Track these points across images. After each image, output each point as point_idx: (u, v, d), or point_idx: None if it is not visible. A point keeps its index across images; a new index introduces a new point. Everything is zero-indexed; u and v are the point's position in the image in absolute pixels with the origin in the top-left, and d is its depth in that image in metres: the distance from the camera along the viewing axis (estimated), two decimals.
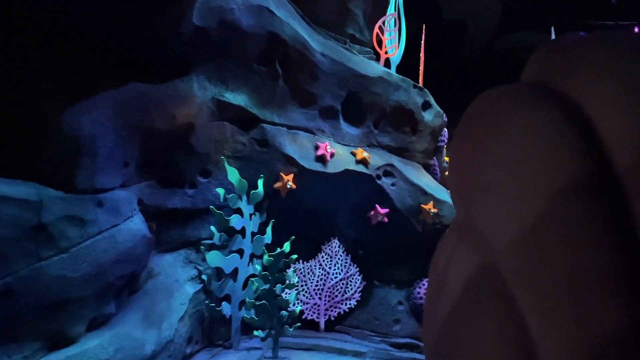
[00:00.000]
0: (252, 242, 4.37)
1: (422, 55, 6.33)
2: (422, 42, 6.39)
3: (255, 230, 4.42)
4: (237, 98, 4.28)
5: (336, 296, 4.87)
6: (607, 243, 0.33)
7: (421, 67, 6.25)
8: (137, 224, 3.42)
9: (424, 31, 6.41)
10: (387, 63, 5.80)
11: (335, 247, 4.93)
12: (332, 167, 4.68)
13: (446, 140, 5.89)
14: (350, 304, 4.91)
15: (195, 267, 4.17)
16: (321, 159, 4.60)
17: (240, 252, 4.31)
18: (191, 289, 4.03)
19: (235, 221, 4.23)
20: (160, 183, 3.98)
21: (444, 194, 5.33)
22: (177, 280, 3.95)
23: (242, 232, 4.32)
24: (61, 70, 2.99)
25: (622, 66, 0.36)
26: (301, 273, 4.81)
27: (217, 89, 4.13)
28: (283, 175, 4.40)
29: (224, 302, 4.22)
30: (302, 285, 4.80)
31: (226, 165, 4.15)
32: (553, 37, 12.57)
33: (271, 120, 4.53)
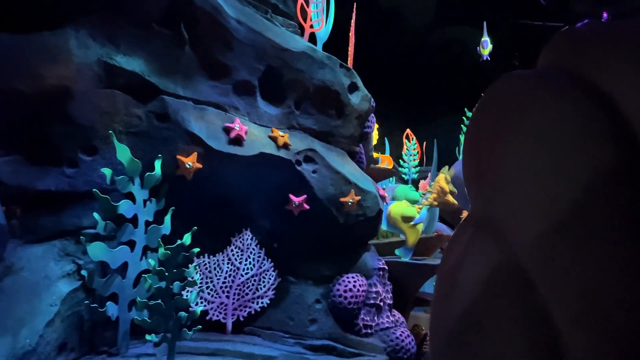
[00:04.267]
0: (145, 232, 3.75)
1: (352, 34, 5.90)
2: (353, 21, 5.96)
3: (151, 219, 3.81)
4: (131, 63, 3.64)
5: (247, 294, 4.35)
6: None
7: (350, 49, 5.82)
8: None
9: (354, 10, 5.98)
10: (313, 40, 5.32)
11: (247, 239, 4.40)
12: (246, 150, 4.15)
13: (373, 127, 5.51)
14: (262, 302, 4.41)
15: (74, 261, 3.50)
16: (233, 140, 4.04)
17: (131, 244, 3.69)
18: (66, 287, 3.37)
19: (125, 208, 3.60)
20: (29, 159, 3.29)
21: (369, 184, 4.95)
22: (46, 277, 3.27)
23: (134, 220, 3.70)
24: None
25: None
26: (206, 268, 4.25)
27: (105, 49, 3.47)
28: (182, 158, 3.81)
29: (109, 302, 3.59)
30: (206, 283, 4.24)
31: (115, 141, 3.51)
32: (485, 32, 12.70)
33: (174, 92, 3.92)
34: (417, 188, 10.33)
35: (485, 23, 11.92)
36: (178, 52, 3.93)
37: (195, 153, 3.89)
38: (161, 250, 3.60)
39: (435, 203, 5.96)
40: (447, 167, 6.27)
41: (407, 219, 5.97)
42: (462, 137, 16.47)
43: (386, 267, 5.24)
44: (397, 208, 6.04)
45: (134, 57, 3.66)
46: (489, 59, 11.92)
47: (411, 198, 6.25)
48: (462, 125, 16.58)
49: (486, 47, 11.90)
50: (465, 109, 16.53)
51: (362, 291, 4.67)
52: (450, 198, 5.73)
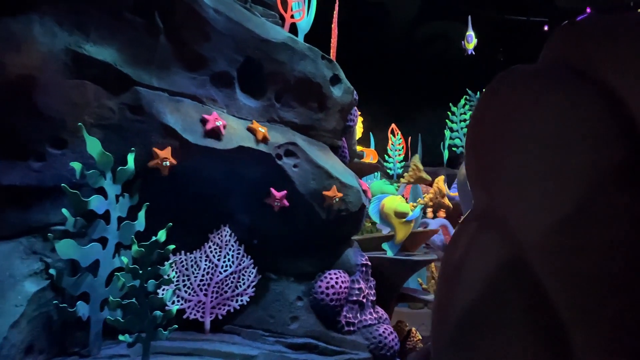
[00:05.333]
0: (118, 229, 3.61)
1: (334, 26, 5.78)
2: (335, 12, 5.84)
3: (124, 215, 3.66)
4: (102, 52, 3.48)
5: (225, 292, 4.23)
6: None
7: (333, 41, 5.71)
8: None
9: (337, 1, 5.86)
10: (295, 32, 5.19)
11: (225, 235, 4.28)
12: (224, 143, 4.01)
13: (356, 120, 5.40)
14: (242, 300, 4.30)
15: (41, 260, 3.35)
16: (210, 133, 3.91)
17: (103, 241, 3.55)
18: (33, 286, 3.22)
19: (96, 203, 3.45)
20: None
21: (351, 179, 4.85)
22: (11, 276, 3.12)
23: (106, 217, 3.56)
24: None
25: None
26: (183, 266, 4.11)
27: (73, 37, 3.31)
28: (157, 151, 3.67)
29: (79, 302, 3.45)
30: (183, 281, 4.11)
31: (85, 134, 3.36)
32: (470, 26, 12.68)
33: (149, 83, 3.77)
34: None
35: (470, 17, 11.89)
36: (152, 42, 3.77)
37: (170, 147, 3.75)
38: (135, 247, 3.47)
39: (431, 203, 5.94)
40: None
41: (400, 215, 5.89)
42: (447, 132, 16.49)
43: (369, 263, 5.16)
44: (391, 202, 5.96)
45: (105, 47, 3.51)
46: (473, 53, 11.89)
47: (387, 192, 6.19)
48: (447, 120, 16.59)
49: (471, 41, 11.87)
50: (450, 104, 16.53)
51: (345, 288, 4.58)
52: (446, 200, 5.72)
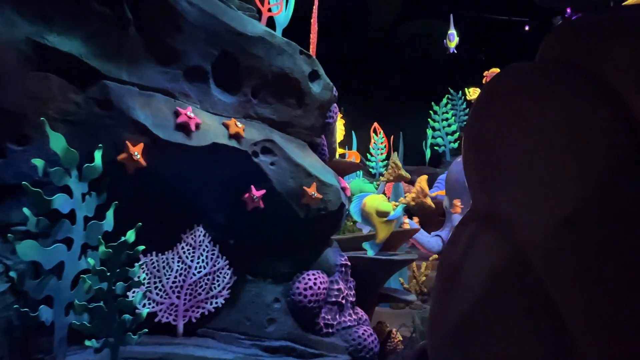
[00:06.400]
0: (85, 229, 3.44)
1: (313, 21, 5.66)
2: (315, 7, 5.72)
3: (91, 215, 3.49)
4: (66, 43, 3.31)
5: (199, 294, 4.09)
6: None
7: (312, 36, 5.59)
8: None
9: None
10: (273, 27, 5.06)
11: (199, 235, 4.13)
12: (197, 140, 3.87)
13: (336, 117, 5.30)
14: (216, 302, 4.15)
15: (1, 262, 3.18)
16: (183, 128, 3.76)
17: (69, 242, 3.37)
18: None
19: (60, 202, 3.28)
20: None
21: (330, 177, 4.74)
22: None
23: (72, 216, 3.39)
24: None
25: None
26: (154, 267, 3.96)
27: (35, 27, 3.14)
28: (130, 145, 3.51)
29: (42, 306, 3.26)
30: (155, 283, 3.95)
31: (48, 129, 3.19)
32: (452, 25, 12.67)
33: (118, 76, 3.61)
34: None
35: (452, 16, 11.88)
36: (122, 33, 3.61)
37: (142, 144, 3.59)
38: (102, 248, 3.31)
39: (413, 203, 5.85)
40: (395, 153, 6.22)
41: (381, 214, 5.79)
42: (429, 132, 16.50)
43: (349, 263, 5.06)
44: (373, 201, 5.86)
45: (70, 38, 3.34)
46: (455, 52, 11.88)
47: (365, 190, 6.10)
48: (429, 119, 16.60)
49: (453, 39, 11.85)
50: (433, 103, 16.55)
51: (323, 289, 4.47)
52: (428, 200, 5.65)
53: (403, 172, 5.87)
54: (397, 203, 5.98)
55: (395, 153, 6.15)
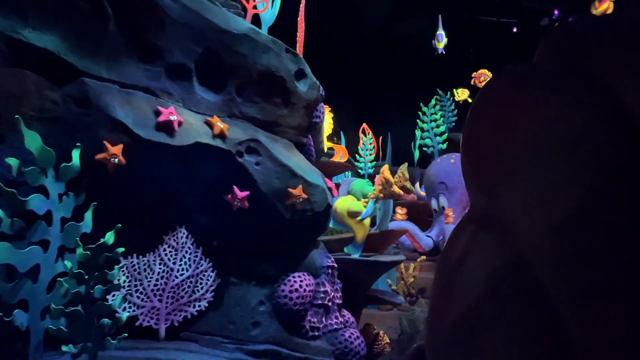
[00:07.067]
0: (62, 231, 3.33)
1: (300, 19, 5.59)
2: (302, 5, 5.65)
3: (68, 216, 3.38)
4: (42, 39, 3.21)
5: (182, 297, 3.99)
6: None
7: (299, 35, 5.51)
8: None
9: None
10: (259, 25, 4.98)
11: (181, 237, 4.03)
12: (180, 139, 3.77)
13: (323, 117, 5.22)
14: (199, 305, 4.06)
15: None
16: (164, 127, 3.67)
17: (45, 244, 3.26)
18: None
19: (35, 203, 3.17)
20: None
21: (317, 177, 4.67)
22: None
23: (48, 217, 3.28)
24: None
25: None
26: (135, 270, 3.85)
27: (9, 22, 3.03)
28: (108, 145, 3.41)
29: (17, 310, 3.15)
30: (135, 286, 3.84)
31: (23, 127, 3.08)
32: (440, 25, 12.68)
33: (97, 73, 3.51)
34: (373, 183, 10.21)
35: (440, 17, 11.87)
36: (101, 29, 3.51)
37: (122, 145, 3.49)
38: (79, 250, 3.21)
39: (381, 195, 5.75)
40: (405, 164, 6.10)
41: (353, 214, 5.73)
42: (417, 132, 16.48)
43: (336, 265, 4.99)
44: (342, 203, 5.81)
45: (47, 33, 3.23)
46: (444, 52, 11.88)
47: (367, 193, 6.03)
48: (418, 120, 16.58)
49: (441, 40, 11.85)
50: (421, 104, 16.54)
51: (309, 291, 4.40)
52: (396, 188, 5.53)
53: (396, 189, 5.70)
54: (366, 200, 5.89)
55: (387, 165, 6.02)
